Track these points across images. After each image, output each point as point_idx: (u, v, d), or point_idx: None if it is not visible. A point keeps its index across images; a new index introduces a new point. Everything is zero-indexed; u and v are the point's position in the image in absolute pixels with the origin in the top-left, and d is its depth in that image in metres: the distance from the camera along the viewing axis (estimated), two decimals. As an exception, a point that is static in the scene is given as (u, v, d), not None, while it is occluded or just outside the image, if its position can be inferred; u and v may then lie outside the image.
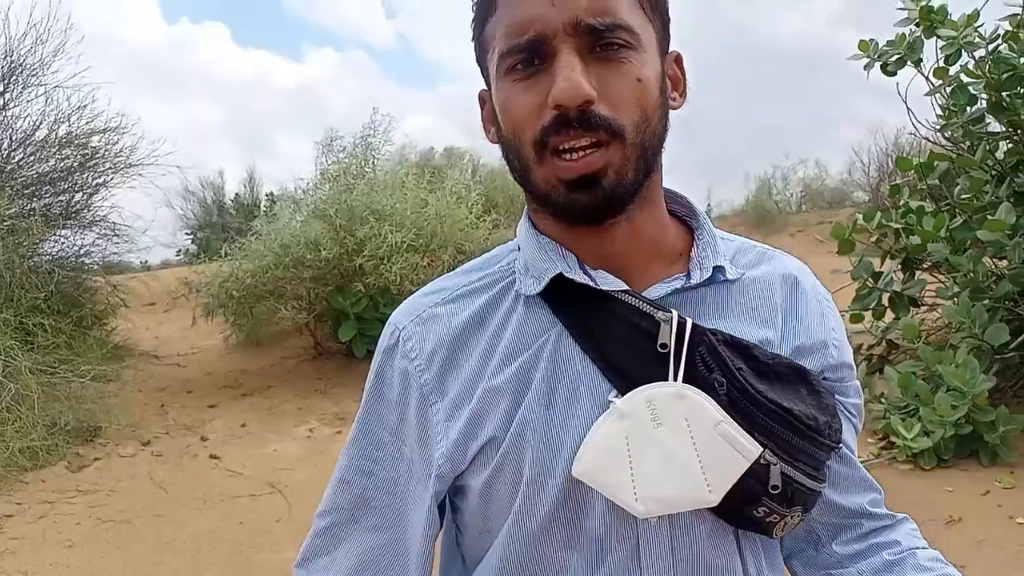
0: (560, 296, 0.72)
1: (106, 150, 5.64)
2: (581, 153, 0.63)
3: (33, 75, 5.10)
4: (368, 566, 0.76)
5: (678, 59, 0.74)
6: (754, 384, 0.67)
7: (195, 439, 4.21)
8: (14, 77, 4.97)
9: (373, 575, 0.76)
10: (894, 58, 4.15)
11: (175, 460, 3.93)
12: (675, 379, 0.67)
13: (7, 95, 4.96)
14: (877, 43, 4.24)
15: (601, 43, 0.63)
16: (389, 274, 4.76)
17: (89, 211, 5.76)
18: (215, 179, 17.20)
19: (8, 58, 4.87)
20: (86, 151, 5.53)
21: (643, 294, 0.71)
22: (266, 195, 17.12)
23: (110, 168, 5.63)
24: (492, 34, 0.67)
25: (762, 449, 0.66)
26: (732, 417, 0.66)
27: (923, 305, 4.64)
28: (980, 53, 3.89)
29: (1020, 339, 3.70)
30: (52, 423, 3.89)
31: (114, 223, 5.91)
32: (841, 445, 0.73)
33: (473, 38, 0.73)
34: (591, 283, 0.70)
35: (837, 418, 0.72)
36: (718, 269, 0.73)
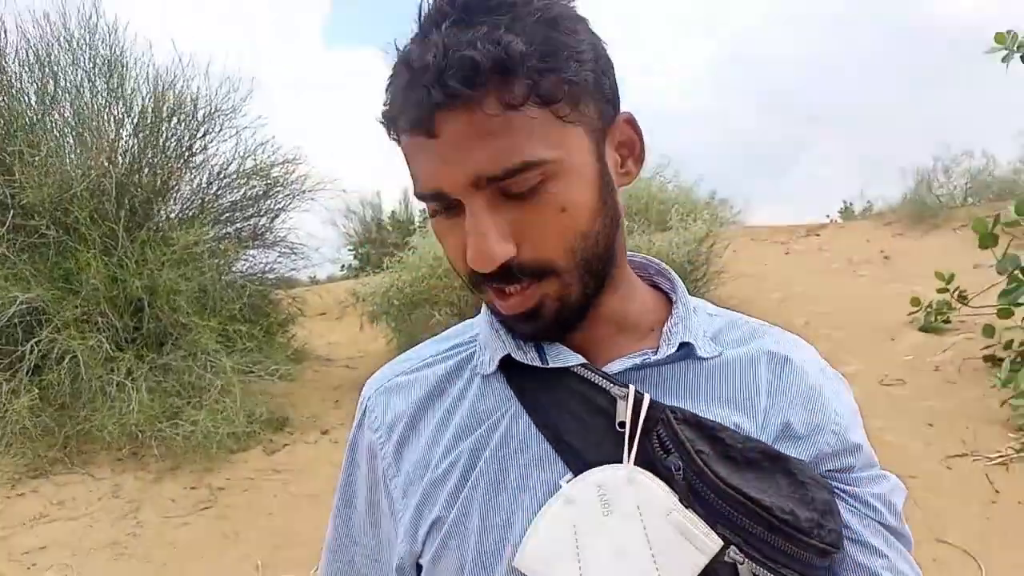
0: (517, 372, 0.68)
1: (284, 179, 6.45)
2: (516, 288, 0.61)
3: (227, 118, 5.96)
4: None
5: (629, 121, 0.67)
6: (715, 469, 0.60)
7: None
8: (213, 122, 5.83)
9: None
10: (1033, 48, 4.07)
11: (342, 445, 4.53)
12: (628, 461, 0.61)
13: (207, 138, 5.83)
14: (1015, 34, 4.16)
15: (511, 189, 0.58)
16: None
17: (271, 233, 6.58)
18: (373, 199, 18.55)
19: (209, 106, 5.73)
20: (268, 181, 6.34)
21: (603, 369, 0.67)
22: (419, 212, 18.31)
23: (288, 195, 6.42)
24: (406, 165, 0.64)
25: (722, 544, 0.59)
26: (692, 506, 0.60)
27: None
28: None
29: None
30: (250, 414, 4.57)
31: (292, 243, 6.73)
32: (839, 552, 0.63)
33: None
34: (538, 363, 0.67)
35: (832, 516, 0.63)
36: (685, 345, 0.68)
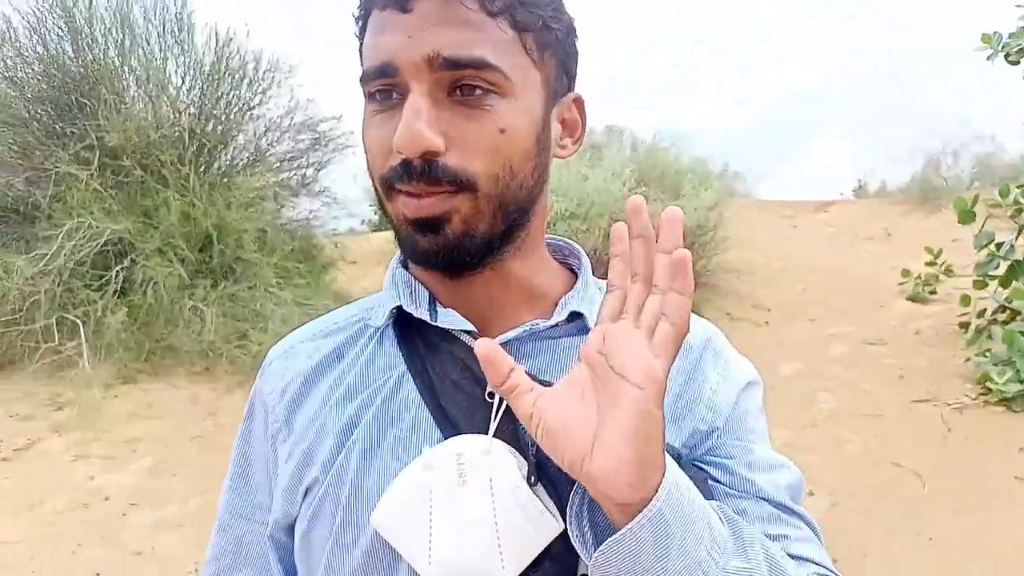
0: (411, 335, 0.67)
1: (329, 133, 7.01)
2: (427, 192, 0.59)
3: (284, 76, 6.52)
4: None
5: (577, 101, 0.68)
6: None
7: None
8: (271, 79, 6.39)
9: None
10: (1016, 48, 4.58)
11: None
12: (490, 432, 0.60)
13: (265, 93, 6.40)
14: (1000, 35, 4.66)
15: (461, 84, 0.57)
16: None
17: (316, 183, 7.18)
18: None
19: (270, 65, 6.29)
20: (316, 134, 6.91)
21: (499, 337, 0.64)
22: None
23: (333, 148, 6.99)
24: (362, 54, 0.63)
25: (562, 525, 0.57)
26: (541, 483, 0.58)
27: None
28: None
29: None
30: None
31: (333, 193, 7.33)
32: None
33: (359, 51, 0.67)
34: (427, 319, 0.66)
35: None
36: (576, 314, 0.67)
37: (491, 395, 0.62)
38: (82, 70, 5.67)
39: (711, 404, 0.67)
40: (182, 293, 5.05)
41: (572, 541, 0.55)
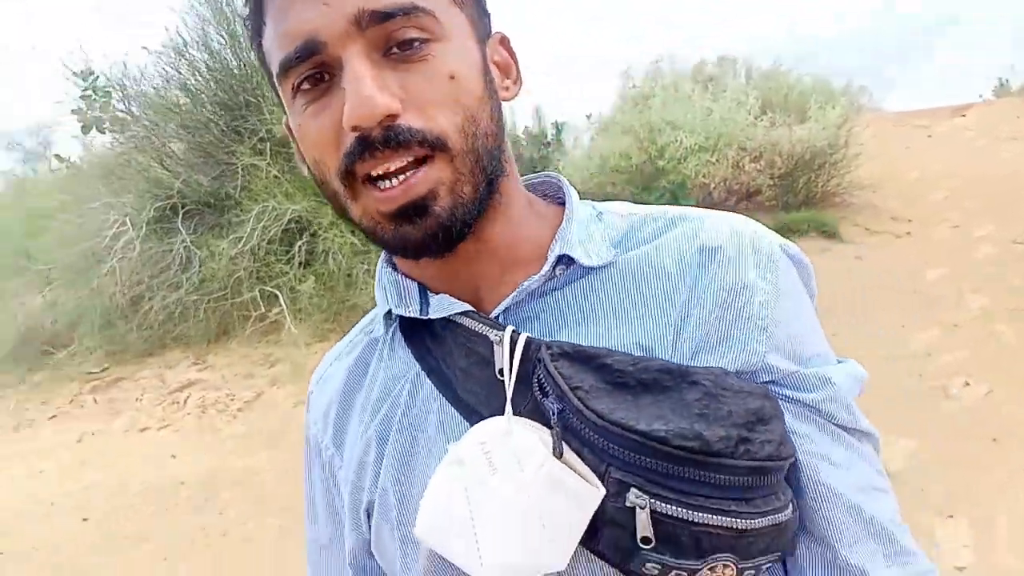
0: (417, 333, 0.62)
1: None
2: (400, 178, 0.51)
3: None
4: None
5: (503, 41, 0.62)
6: (594, 405, 0.51)
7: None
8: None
9: None
10: None
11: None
12: (507, 410, 0.53)
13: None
14: None
15: (397, 41, 0.51)
16: (686, 171, 6.04)
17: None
18: (507, 116, 19.49)
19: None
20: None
21: (496, 308, 0.59)
22: (551, 124, 19.18)
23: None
24: (269, 50, 0.55)
25: (602, 491, 0.50)
26: (577, 451, 0.51)
27: None
28: None
29: None
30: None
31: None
32: (785, 462, 0.53)
33: (256, 58, 0.60)
34: (416, 314, 0.60)
35: (765, 425, 0.52)
36: (565, 259, 0.59)
37: (501, 372, 0.56)
38: (244, 72, 6.38)
39: (762, 324, 0.56)
40: (356, 259, 5.71)
41: None
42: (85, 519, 3.94)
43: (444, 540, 0.52)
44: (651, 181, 6.48)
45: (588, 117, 9.70)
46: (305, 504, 0.74)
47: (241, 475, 4.07)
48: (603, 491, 0.50)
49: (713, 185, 6.55)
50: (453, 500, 0.52)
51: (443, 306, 0.59)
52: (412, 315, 0.61)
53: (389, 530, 0.62)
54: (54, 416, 5.51)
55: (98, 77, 7.55)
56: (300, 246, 5.73)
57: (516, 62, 0.63)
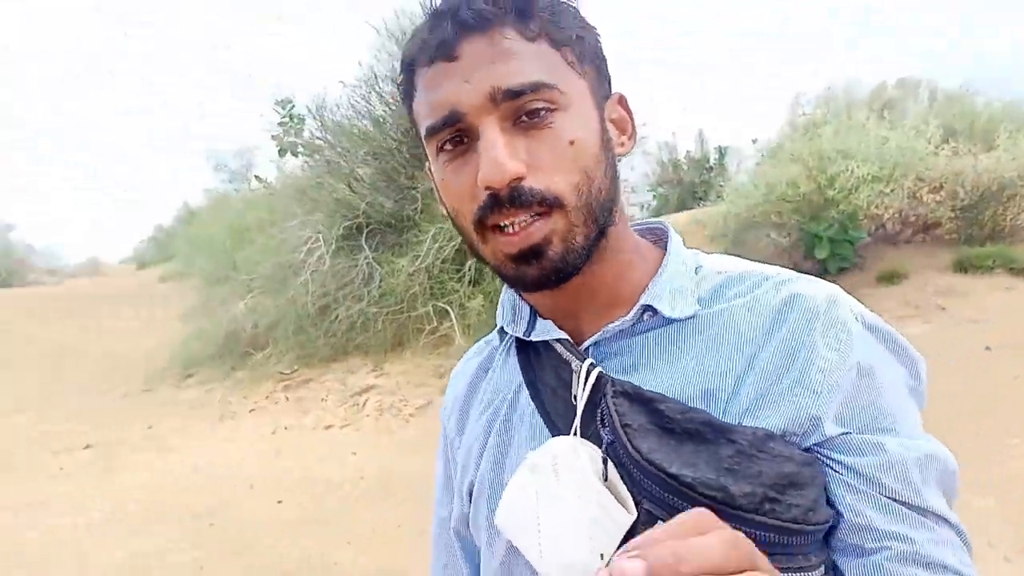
0: (526, 348, 0.71)
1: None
2: (521, 224, 0.60)
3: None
4: None
5: (621, 100, 0.69)
6: (638, 443, 0.58)
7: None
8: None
9: None
10: None
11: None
12: (573, 431, 0.62)
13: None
14: None
15: (526, 111, 0.59)
16: (857, 201, 5.88)
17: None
18: (669, 140, 19.44)
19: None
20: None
21: (585, 343, 0.67)
22: (714, 148, 18.91)
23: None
24: (418, 113, 0.64)
25: (634, 517, 0.56)
26: (622, 478, 0.59)
27: None
28: None
29: None
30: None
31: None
32: (815, 527, 0.57)
33: (408, 116, 0.69)
34: (521, 335, 0.70)
35: (796, 489, 0.57)
36: (649, 308, 0.65)
37: (575, 397, 0.63)
38: (426, 103, 6.92)
39: (817, 388, 0.59)
40: (521, 279, 6.03)
41: None
42: (279, 501, 4.45)
43: (516, 533, 0.59)
44: (819, 211, 6.34)
45: (754, 142, 9.62)
46: (435, 483, 0.86)
47: (413, 474, 4.43)
48: (635, 516, 0.56)
49: (887, 216, 6.31)
50: (525, 500, 0.59)
51: (544, 331, 0.68)
52: (517, 334, 0.71)
53: (483, 512, 0.71)
54: (253, 409, 6.21)
55: (294, 106, 8.44)
56: (470, 265, 6.12)
57: (632, 119, 0.70)
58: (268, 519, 4.24)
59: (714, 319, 0.64)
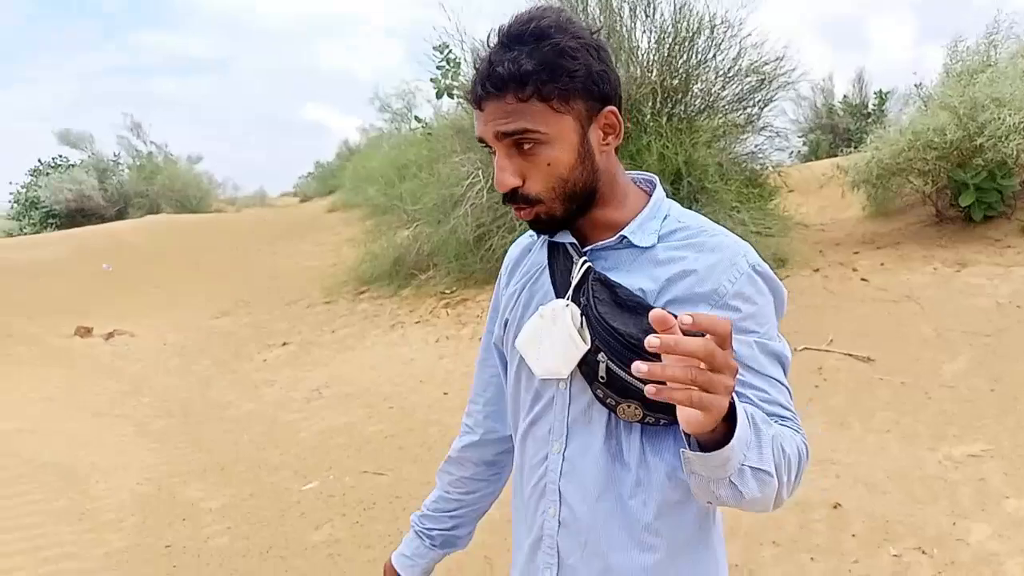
0: (552, 243, 1.05)
1: (772, 74, 7.81)
2: (521, 210, 0.96)
3: (731, 28, 7.51)
4: (479, 390, 1.26)
5: (613, 111, 0.95)
6: (598, 308, 0.93)
7: (847, 270, 6.17)
8: (721, 31, 7.45)
9: (482, 398, 1.25)
10: None
11: (837, 280, 5.97)
12: (566, 298, 0.98)
13: (719, 47, 7.48)
14: None
15: (521, 143, 0.91)
16: (1007, 150, 5.86)
17: (760, 120, 8.07)
18: (825, 84, 18.58)
19: (720, 19, 7.35)
20: (761, 76, 7.78)
21: (585, 248, 1.00)
22: (874, 93, 17.91)
23: (777, 87, 7.80)
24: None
25: (588, 347, 0.93)
26: (587, 326, 0.94)
27: None
28: None
29: None
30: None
31: (775, 128, 8.16)
32: None
33: None
34: (547, 238, 1.06)
35: None
36: (622, 237, 0.97)
37: (572, 278, 0.98)
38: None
39: (711, 302, 0.92)
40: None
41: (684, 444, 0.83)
42: (445, 392, 5.27)
43: (525, 351, 1.00)
44: (967, 159, 6.32)
45: (917, 87, 9.29)
46: (489, 312, 1.23)
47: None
48: (586, 346, 0.93)
49: (1039, 166, 6.21)
50: (533, 332, 0.99)
51: (563, 236, 1.02)
52: (543, 238, 1.08)
53: (511, 336, 1.08)
54: (418, 322, 7.10)
55: (451, 50, 9.07)
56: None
57: (620, 123, 0.96)
58: (437, 404, 5.06)
59: (662, 250, 0.97)
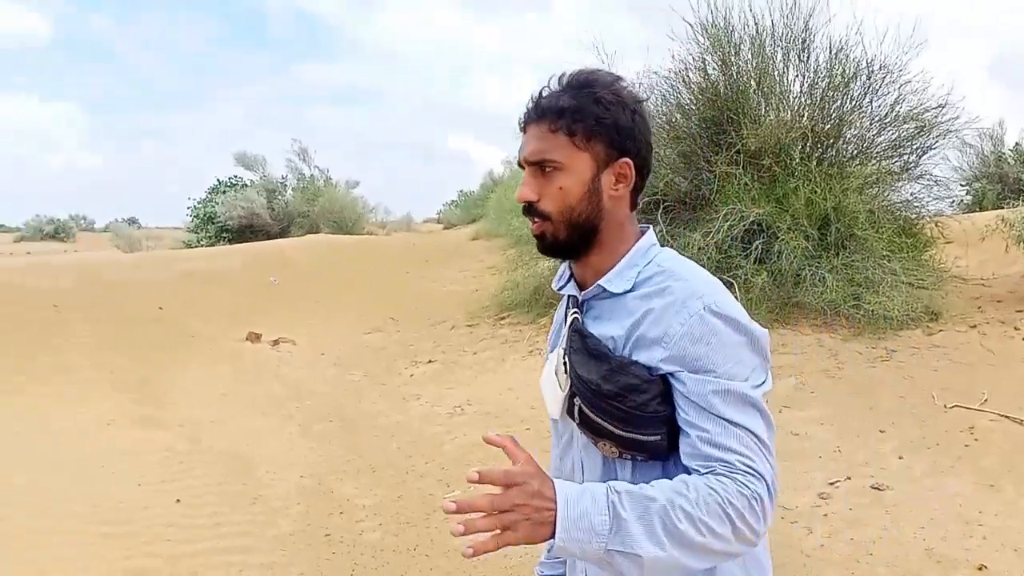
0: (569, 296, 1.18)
1: (934, 120, 7.54)
2: (534, 223, 1.07)
3: (889, 73, 7.35)
4: None
5: (629, 163, 1.06)
6: (571, 357, 1.06)
7: (1008, 328, 5.85)
8: (879, 77, 7.30)
9: None
10: None
11: (996, 339, 5.69)
12: (560, 347, 1.13)
13: (876, 92, 7.33)
14: None
15: (543, 166, 1.04)
16: None
17: (918, 167, 7.80)
18: (994, 130, 17.32)
19: (878, 64, 7.22)
20: (920, 123, 7.54)
21: (582, 297, 1.11)
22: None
23: (938, 134, 7.53)
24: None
25: (565, 392, 1.08)
26: (566, 371, 1.08)
27: None
28: None
29: None
30: (908, 305, 6.07)
31: (935, 176, 7.85)
32: (652, 415, 0.98)
33: None
34: (556, 289, 1.18)
35: (635, 393, 0.98)
36: (598, 286, 1.08)
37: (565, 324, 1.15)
38: (730, 93, 7.47)
39: (664, 344, 0.98)
40: (807, 262, 6.42)
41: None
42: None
43: (542, 388, 1.16)
44: None
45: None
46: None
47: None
48: (565, 392, 1.08)
49: None
50: (544, 376, 1.16)
51: (568, 288, 1.15)
52: (555, 288, 1.19)
53: None
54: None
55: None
56: (758, 244, 6.63)
57: (631, 175, 1.07)
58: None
59: (632, 297, 1.05)
